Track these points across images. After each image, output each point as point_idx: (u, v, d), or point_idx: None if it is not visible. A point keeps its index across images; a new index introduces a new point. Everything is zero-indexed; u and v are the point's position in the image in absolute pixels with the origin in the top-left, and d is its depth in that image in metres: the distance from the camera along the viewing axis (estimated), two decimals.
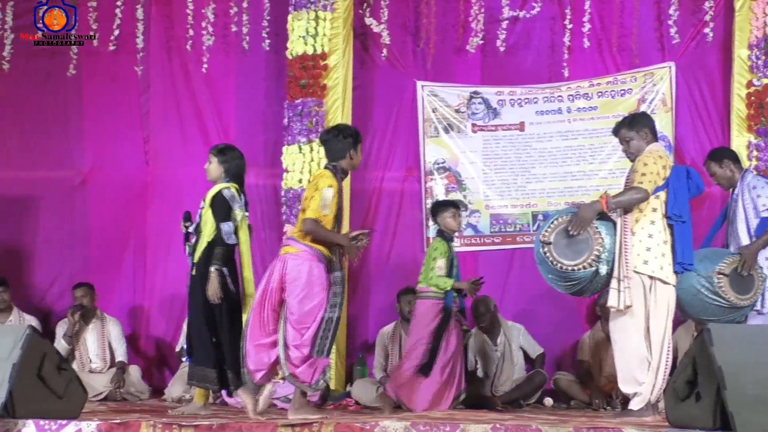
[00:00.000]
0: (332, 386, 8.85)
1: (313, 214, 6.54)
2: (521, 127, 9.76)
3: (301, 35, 9.51)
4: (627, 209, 6.52)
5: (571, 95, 9.63)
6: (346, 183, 9.27)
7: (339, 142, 6.80)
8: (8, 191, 10.18)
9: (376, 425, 5.62)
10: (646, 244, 6.50)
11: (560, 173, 9.66)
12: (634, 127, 6.76)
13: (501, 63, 9.88)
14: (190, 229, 7.06)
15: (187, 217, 7.14)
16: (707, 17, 9.40)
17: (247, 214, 7.06)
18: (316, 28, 9.47)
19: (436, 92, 9.87)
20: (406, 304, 8.88)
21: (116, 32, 10.35)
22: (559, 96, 9.64)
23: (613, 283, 6.44)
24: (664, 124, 9.31)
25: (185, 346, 8.90)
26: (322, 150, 9.26)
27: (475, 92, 9.84)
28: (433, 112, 9.87)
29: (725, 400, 4.97)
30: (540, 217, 9.51)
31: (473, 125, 9.83)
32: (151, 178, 10.30)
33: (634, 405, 6.53)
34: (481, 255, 9.76)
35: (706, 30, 9.40)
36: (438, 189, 9.81)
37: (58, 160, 10.39)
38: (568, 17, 9.66)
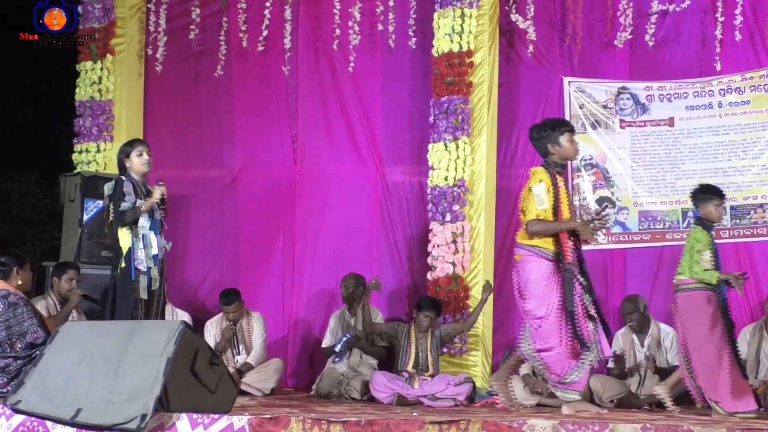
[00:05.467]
0: (478, 384, 8.84)
1: (532, 215, 6.78)
2: (671, 122, 9.59)
3: (447, 33, 9.54)
4: None
5: (723, 90, 9.41)
6: (491, 178, 9.36)
7: (537, 141, 7.07)
8: None
9: (524, 423, 5.58)
10: None
11: (711, 169, 9.45)
12: None
13: (650, 58, 9.71)
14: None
15: None
16: None
17: None
18: (461, 26, 9.49)
19: (583, 88, 9.76)
20: None
21: (264, 33, 10.52)
22: (710, 90, 9.44)
23: None
24: None
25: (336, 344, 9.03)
26: (468, 147, 9.36)
27: (623, 88, 9.70)
28: (580, 108, 9.76)
29: None
30: (690, 214, 9.34)
31: (621, 121, 9.70)
32: (299, 177, 10.44)
33: None
34: (629, 253, 9.62)
35: None
36: (585, 186, 9.71)
37: (210, 159, 10.63)
38: (720, 10, 9.42)
